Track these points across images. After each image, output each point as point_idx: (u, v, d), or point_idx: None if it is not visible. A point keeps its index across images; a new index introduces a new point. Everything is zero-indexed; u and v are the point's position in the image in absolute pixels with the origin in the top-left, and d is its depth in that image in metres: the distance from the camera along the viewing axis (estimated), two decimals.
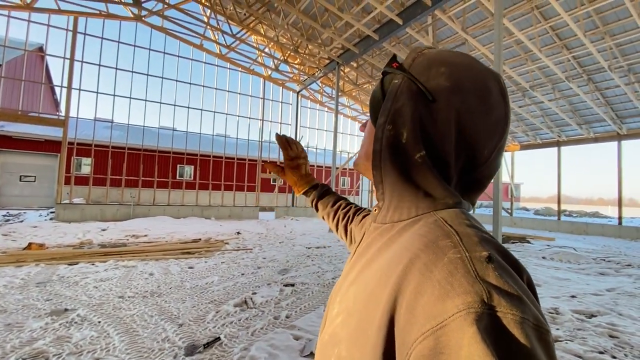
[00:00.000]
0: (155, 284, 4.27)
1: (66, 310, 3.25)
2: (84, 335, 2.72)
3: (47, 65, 17.03)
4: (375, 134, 0.46)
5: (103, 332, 2.80)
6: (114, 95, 12.30)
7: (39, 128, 13.73)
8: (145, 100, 12.91)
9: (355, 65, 12.74)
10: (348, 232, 0.80)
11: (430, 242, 0.37)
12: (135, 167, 13.37)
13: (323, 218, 0.93)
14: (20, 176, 13.90)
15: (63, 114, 11.09)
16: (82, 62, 11.56)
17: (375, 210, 0.50)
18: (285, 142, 0.93)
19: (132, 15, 12.11)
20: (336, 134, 11.59)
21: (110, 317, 3.15)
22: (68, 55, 11.19)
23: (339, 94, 13.21)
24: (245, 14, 11.75)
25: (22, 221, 9.54)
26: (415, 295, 0.32)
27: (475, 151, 0.42)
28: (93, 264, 5.10)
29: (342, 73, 13.05)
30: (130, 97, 12.67)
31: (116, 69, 12.30)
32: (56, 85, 11.76)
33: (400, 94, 0.44)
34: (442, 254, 0.34)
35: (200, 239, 7.65)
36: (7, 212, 11.28)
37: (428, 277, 0.32)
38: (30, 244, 5.97)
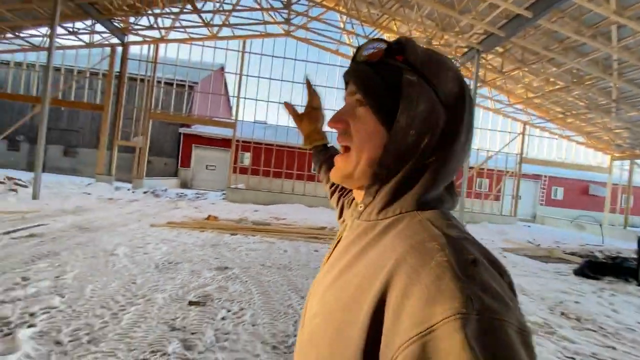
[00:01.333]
0: (287, 260, 5.09)
1: (226, 268, 4.33)
2: (235, 289, 3.59)
3: (225, 80, 21.96)
4: (393, 135, 0.43)
5: (247, 290, 3.63)
6: (268, 101, 14.84)
7: (218, 129, 17.94)
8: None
9: (500, 50, 11.12)
10: (339, 205, 0.75)
11: (417, 243, 0.36)
12: (280, 161, 15.76)
13: (321, 180, 0.90)
14: (206, 165, 18.54)
15: (234, 118, 14.15)
16: (247, 75, 14.42)
17: (361, 207, 0.47)
18: (313, 90, 0.91)
19: (283, 32, 14.22)
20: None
21: (254, 279, 4.01)
22: (239, 71, 14.18)
23: (479, 84, 11.82)
24: (378, 14, 11.99)
25: (205, 199, 12.82)
26: (402, 298, 0.32)
27: (466, 153, 0.45)
28: (246, 236, 6.48)
29: (483, 61, 11.62)
30: (279, 102, 14.99)
31: (270, 79, 14.79)
32: (230, 96, 15.12)
33: (421, 96, 0.42)
34: (429, 257, 0.34)
35: (325, 227, 8.46)
36: (197, 192, 15.31)
37: (415, 280, 0.32)
38: (209, 216, 8.05)
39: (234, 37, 13.95)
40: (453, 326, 0.28)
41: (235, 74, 14.20)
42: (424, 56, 0.44)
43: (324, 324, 0.41)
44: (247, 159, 17.43)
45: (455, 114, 0.43)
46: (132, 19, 12.78)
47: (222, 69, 18.36)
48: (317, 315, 0.43)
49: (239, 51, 14.19)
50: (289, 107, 0.96)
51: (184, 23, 13.13)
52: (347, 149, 0.48)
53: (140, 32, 13.23)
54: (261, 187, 15.16)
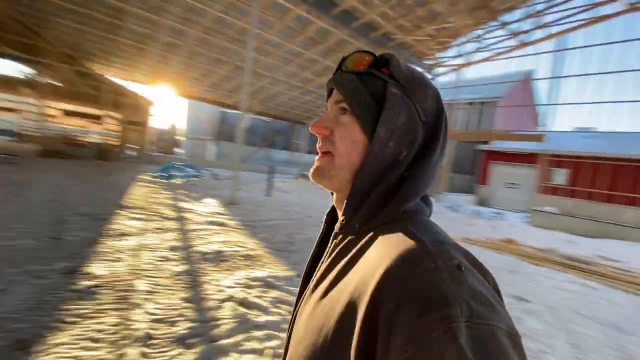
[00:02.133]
0: (621, 317, 3.85)
1: (524, 299, 4.00)
2: (534, 326, 3.28)
3: (532, 89, 19.35)
4: (372, 147, 0.45)
5: (549, 332, 3.20)
6: (595, 102, 11.47)
7: (522, 143, 16.14)
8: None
9: None
10: None
11: (404, 252, 0.36)
12: (612, 179, 11.62)
13: None
14: (507, 183, 17.18)
15: (542, 129, 12.24)
16: (563, 77, 11.98)
17: (343, 220, 0.47)
18: None
19: (624, 8, 10.51)
20: None
21: (560, 322, 3.45)
22: (551, 74, 12.11)
23: None
24: None
25: (503, 219, 11.98)
26: (393, 310, 0.31)
27: (439, 167, 0.49)
28: (554, 271, 5.51)
29: None
30: (614, 102, 11.15)
31: (600, 73, 11.38)
32: (540, 105, 13.19)
33: (401, 108, 0.45)
34: (416, 265, 0.34)
35: None
36: (495, 211, 14.56)
37: (405, 290, 0.32)
38: (508, 239, 7.56)
39: (549, 36, 12.11)
40: (446, 336, 0.28)
41: (547, 78, 12.25)
42: (407, 72, 0.47)
43: (314, 345, 0.39)
44: (560, 176, 14.37)
45: (432, 130, 0.47)
46: (439, 53, 14.58)
47: (528, 77, 16.41)
48: (304, 337, 0.41)
49: (551, 52, 12.15)
50: None
51: (488, 42, 13.17)
52: (325, 154, 0.49)
53: (446, 63, 14.75)
54: (580, 213, 11.92)
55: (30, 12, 10.66)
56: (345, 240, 0.46)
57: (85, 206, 5.41)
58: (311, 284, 0.48)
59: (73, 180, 7.98)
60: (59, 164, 10.65)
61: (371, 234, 0.43)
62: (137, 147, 16.24)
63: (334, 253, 0.46)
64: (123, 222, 4.90)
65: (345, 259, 0.44)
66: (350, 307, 0.36)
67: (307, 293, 0.48)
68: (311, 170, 0.51)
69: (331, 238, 0.50)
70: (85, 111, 17.81)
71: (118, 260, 3.43)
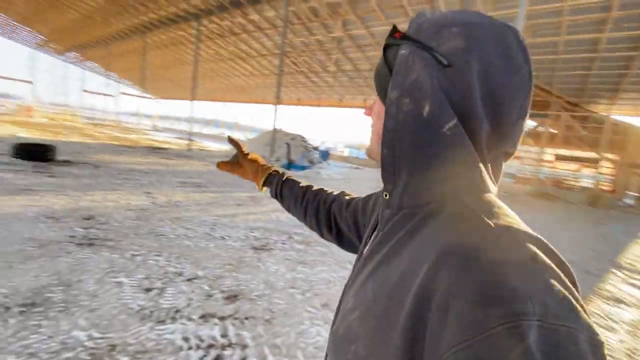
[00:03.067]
0: None
1: None
2: None
3: None
4: (387, 110, 0.40)
5: None
6: None
7: None
8: None
9: None
10: (321, 219, 0.74)
11: (463, 236, 0.32)
12: None
13: (289, 209, 0.83)
14: None
15: None
16: None
17: (385, 195, 0.43)
18: (235, 141, 0.90)
19: None
20: None
21: None
22: None
23: None
24: None
25: None
26: (447, 296, 0.28)
27: (501, 117, 0.37)
28: None
29: None
30: None
31: None
32: None
33: (411, 64, 0.39)
34: (478, 252, 0.29)
35: None
36: None
37: (463, 278, 0.28)
38: None
39: None
40: (512, 333, 0.24)
41: None
42: (425, 23, 0.40)
43: (361, 319, 0.37)
44: None
45: (463, 70, 0.36)
46: None
47: None
48: (353, 310, 0.39)
49: None
50: (222, 168, 0.90)
51: None
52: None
53: None
54: None
55: (541, 73, 12.39)
56: (397, 216, 0.41)
57: (570, 254, 5.27)
58: (361, 260, 0.46)
59: (559, 224, 8.08)
60: (546, 206, 11.31)
61: (426, 210, 0.39)
62: (638, 194, 13.18)
63: (385, 229, 0.43)
64: (618, 285, 4.16)
65: (397, 236, 0.40)
66: (397, 294, 0.33)
67: (358, 266, 0.46)
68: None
69: (380, 212, 0.46)
70: (580, 155, 17.44)
71: (611, 330, 2.96)
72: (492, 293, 0.26)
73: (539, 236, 0.32)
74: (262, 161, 0.90)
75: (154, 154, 12.36)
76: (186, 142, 15.24)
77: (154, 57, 21.98)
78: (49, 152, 7.60)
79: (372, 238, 0.47)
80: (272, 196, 0.87)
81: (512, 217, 0.35)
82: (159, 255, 3.20)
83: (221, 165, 0.90)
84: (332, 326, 0.45)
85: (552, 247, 0.31)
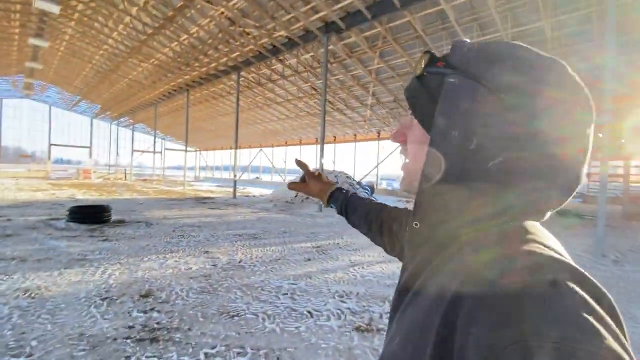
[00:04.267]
0: None
1: None
2: None
3: None
4: (433, 139, 0.40)
5: None
6: None
7: None
8: None
9: None
10: (386, 233, 0.75)
11: (487, 263, 0.33)
12: None
13: (354, 225, 0.86)
14: None
15: None
16: None
17: (416, 224, 0.43)
18: (302, 162, 0.95)
19: None
20: None
21: None
22: None
23: None
24: None
25: None
26: (467, 322, 0.29)
27: (555, 156, 0.37)
28: None
29: None
30: None
31: None
32: None
33: (463, 94, 0.38)
34: (498, 279, 0.30)
35: None
36: None
37: (482, 302, 0.29)
38: None
39: None
40: (523, 354, 0.24)
41: None
42: (471, 53, 0.41)
43: (402, 345, 0.38)
44: None
45: (516, 106, 0.36)
46: None
47: None
48: (395, 335, 0.41)
49: None
50: (293, 187, 0.97)
51: None
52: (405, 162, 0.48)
53: None
54: None
55: None
56: (426, 246, 0.43)
57: None
58: (397, 289, 0.46)
59: None
60: None
61: (464, 239, 0.39)
62: None
63: (417, 259, 0.44)
64: None
65: (425, 267, 0.41)
66: (428, 318, 0.34)
67: (398, 294, 0.46)
68: (400, 180, 0.49)
69: (408, 243, 0.46)
70: None
71: None
72: (507, 318, 0.27)
73: (568, 261, 0.32)
74: (326, 179, 0.95)
75: (201, 204, 12.12)
76: (228, 189, 15.15)
77: (194, 111, 23.14)
78: (104, 213, 7.37)
79: (410, 264, 0.46)
80: (337, 213, 0.90)
81: (542, 244, 0.34)
82: (242, 355, 2.31)
83: (291, 185, 0.97)
84: (384, 348, 0.45)
85: (584, 273, 0.30)
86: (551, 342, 0.24)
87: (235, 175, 16.00)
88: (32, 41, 15.06)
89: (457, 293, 0.32)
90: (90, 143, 33.24)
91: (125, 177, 29.70)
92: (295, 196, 14.65)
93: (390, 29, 11.02)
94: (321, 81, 16.07)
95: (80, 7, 12.95)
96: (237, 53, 14.25)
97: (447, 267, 0.38)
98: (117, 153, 36.68)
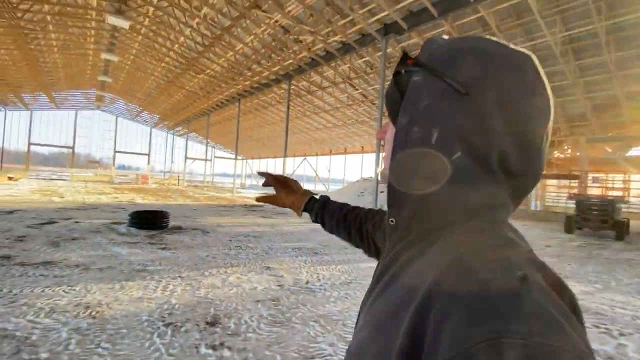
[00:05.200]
0: None
1: None
2: None
3: None
4: (396, 136, 0.41)
5: None
6: None
7: None
8: None
9: None
10: (364, 236, 0.76)
11: (458, 259, 0.33)
12: None
13: (332, 231, 0.86)
14: None
15: None
16: None
17: (392, 220, 0.43)
18: (267, 174, 0.93)
19: None
20: None
21: None
22: None
23: None
24: None
25: None
26: (440, 317, 0.29)
27: (519, 147, 0.38)
28: None
29: None
30: None
31: None
32: None
33: (424, 91, 0.40)
34: (470, 274, 0.31)
35: None
36: None
37: (453, 300, 0.29)
38: None
39: None
40: (491, 350, 0.24)
41: None
42: (438, 50, 0.42)
43: (370, 337, 0.37)
44: None
45: (479, 99, 0.37)
46: None
47: None
48: (363, 328, 0.40)
49: None
50: (262, 200, 0.95)
51: None
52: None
53: None
54: None
55: None
56: (404, 240, 0.42)
57: None
58: (373, 280, 0.46)
59: None
60: None
61: (432, 235, 0.39)
62: None
63: (393, 251, 0.43)
64: None
65: (400, 260, 0.41)
66: (398, 312, 0.34)
67: (369, 289, 0.46)
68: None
69: (387, 235, 0.46)
70: None
71: None
72: (478, 313, 0.27)
73: (536, 258, 0.33)
74: (298, 188, 0.91)
75: (251, 212, 11.95)
76: None
77: (242, 120, 23.65)
78: (162, 219, 7.31)
79: (383, 259, 0.46)
80: (313, 221, 0.88)
81: (512, 240, 0.35)
82: None
83: (259, 199, 0.94)
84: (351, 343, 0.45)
85: (552, 271, 0.32)
86: (519, 338, 0.24)
87: None
88: (105, 56, 16.33)
89: (430, 288, 0.32)
90: (149, 151, 35.68)
91: (179, 183, 31.27)
92: None
93: (458, 27, 10.09)
94: (373, 87, 15.53)
95: (146, 22, 13.73)
96: (290, 61, 14.16)
97: (419, 262, 0.38)
98: (172, 160, 38.98)
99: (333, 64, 13.96)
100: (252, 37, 13.25)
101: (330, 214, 0.84)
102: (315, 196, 0.90)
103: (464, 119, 0.37)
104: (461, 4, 8.39)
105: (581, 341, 0.26)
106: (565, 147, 15.21)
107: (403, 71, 0.43)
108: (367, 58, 13.35)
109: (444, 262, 0.34)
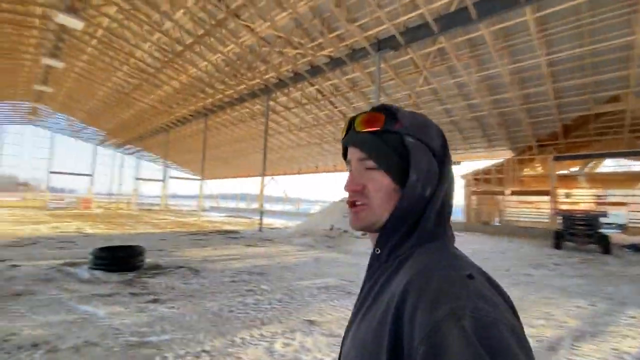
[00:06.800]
0: None
1: None
2: None
3: None
4: (406, 192, 0.51)
5: None
6: None
7: None
8: None
9: None
10: None
11: (423, 267, 0.44)
12: None
13: None
14: None
15: None
16: None
17: (377, 250, 0.54)
18: None
19: None
20: None
21: None
22: None
23: None
24: None
25: None
26: (413, 310, 0.38)
27: (452, 192, 0.55)
28: None
29: None
30: None
31: None
32: None
33: (420, 154, 0.52)
34: (432, 275, 0.41)
35: None
36: None
37: (422, 294, 0.39)
38: None
39: None
40: (451, 322, 0.34)
41: None
42: (413, 120, 0.54)
43: (358, 357, 0.44)
44: None
45: (443, 163, 0.53)
46: None
47: None
48: (350, 350, 0.48)
49: None
50: None
51: None
52: (362, 206, 0.54)
53: None
54: None
55: None
56: (381, 267, 0.53)
57: None
58: (357, 305, 0.54)
59: None
60: None
61: (401, 259, 0.50)
62: None
63: (371, 279, 0.54)
64: None
65: (380, 283, 0.51)
66: (382, 322, 0.42)
67: (355, 311, 0.54)
68: (352, 221, 0.56)
69: (368, 267, 0.56)
70: None
71: None
72: (441, 300, 0.37)
73: (481, 269, 0.44)
74: None
75: (232, 240, 10.45)
76: (243, 220, 13.73)
77: (207, 138, 21.87)
78: (138, 256, 5.74)
79: (365, 286, 0.55)
80: None
81: (461, 255, 0.48)
82: None
83: None
84: None
85: (492, 278, 0.43)
86: (469, 311, 0.35)
87: (261, 206, 14.42)
88: (46, 61, 13.97)
89: (402, 291, 0.41)
90: (93, 171, 31.59)
91: (128, 206, 27.83)
92: (331, 229, 13.06)
93: (456, 44, 10.08)
94: (354, 104, 15.18)
95: (106, 23, 11.99)
96: (271, 74, 13.28)
97: (395, 279, 0.47)
98: (120, 182, 34.97)
99: (316, 79, 13.34)
100: (230, 47, 12.18)
101: None
102: None
103: (437, 178, 0.53)
104: (464, 21, 8.31)
105: (511, 315, 0.38)
106: (536, 165, 16.04)
107: (387, 131, 0.53)
108: (351, 75, 12.94)
109: (412, 272, 0.44)
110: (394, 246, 0.52)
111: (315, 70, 12.26)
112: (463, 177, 18.70)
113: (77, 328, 3.10)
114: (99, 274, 5.16)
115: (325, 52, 11.14)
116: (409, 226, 0.51)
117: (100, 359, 2.54)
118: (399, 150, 0.52)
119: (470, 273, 0.41)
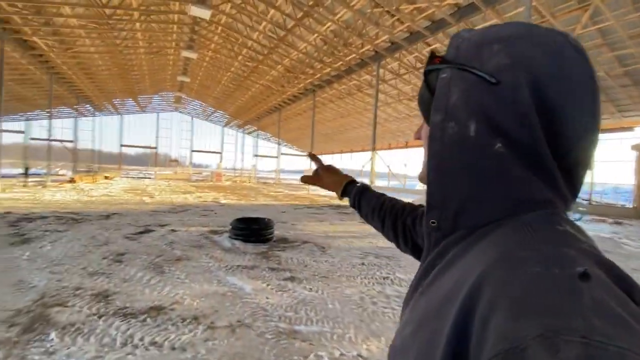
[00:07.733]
0: None
1: None
2: None
3: None
4: (431, 134, 0.40)
5: None
6: None
7: None
8: None
9: None
10: (399, 230, 0.71)
11: (508, 252, 0.31)
12: None
13: (367, 218, 0.83)
14: None
15: None
16: None
17: (433, 222, 0.41)
18: (315, 156, 0.99)
19: None
20: None
21: None
22: None
23: None
24: None
25: None
26: (488, 310, 0.26)
27: (563, 130, 0.35)
28: None
29: None
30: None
31: None
32: None
33: (453, 86, 0.38)
34: (520, 267, 0.28)
35: None
36: None
37: (503, 292, 0.27)
38: None
39: None
40: (544, 347, 0.21)
41: None
42: (463, 44, 0.40)
43: (414, 333, 0.37)
44: None
45: (510, 87, 0.35)
46: None
47: None
48: (407, 324, 0.39)
49: None
50: (305, 180, 0.96)
51: None
52: None
53: None
54: None
55: None
56: (451, 237, 0.40)
57: None
58: (418, 275, 0.44)
59: None
60: None
61: (481, 229, 0.37)
62: None
63: (438, 248, 0.41)
64: None
65: (450, 253, 0.39)
66: (446, 304, 0.32)
67: (416, 282, 0.44)
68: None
69: (426, 235, 0.44)
70: None
71: None
72: (531, 307, 0.24)
73: (605, 258, 0.29)
74: (341, 173, 0.93)
75: (346, 216, 10.30)
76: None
77: (311, 116, 22.27)
78: (268, 229, 5.94)
79: (425, 257, 0.45)
80: (350, 205, 0.88)
81: (570, 233, 0.32)
82: None
83: (304, 178, 0.96)
84: (393, 339, 0.43)
85: (615, 265, 0.28)
86: (579, 336, 0.21)
87: (373, 182, 13.89)
88: (185, 53, 16.08)
89: (476, 281, 0.30)
90: (221, 149, 36.72)
91: (249, 180, 31.45)
92: None
93: None
94: None
95: (228, 9, 12.84)
96: (381, 39, 12.14)
97: (465, 259, 0.36)
98: (242, 158, 39.82)
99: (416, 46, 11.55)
100: (341, 14, 11.51)
101: (367, 201, 0.82)
102: (356, 181, 0.90)
103: (498, 109, 0.35)
104: None
105: None
106: None
107: (431, 71, 0.42)
108: (482, 24, 10.67)
109: (492, 256, 0.31)
110: (454, 215, 0.39)
111: (437, 26, 10.55)
112: (635, 147, 14.14)
113: (229, 302, 3.13)
114: (238, 244, 5.51)
115: (450, 0, 9.35)
116: (470, 185, 0.37)
117: (256, 346, 2.39)
118: (432, 89, 0.42)
119: (585, 270, 0.25)
